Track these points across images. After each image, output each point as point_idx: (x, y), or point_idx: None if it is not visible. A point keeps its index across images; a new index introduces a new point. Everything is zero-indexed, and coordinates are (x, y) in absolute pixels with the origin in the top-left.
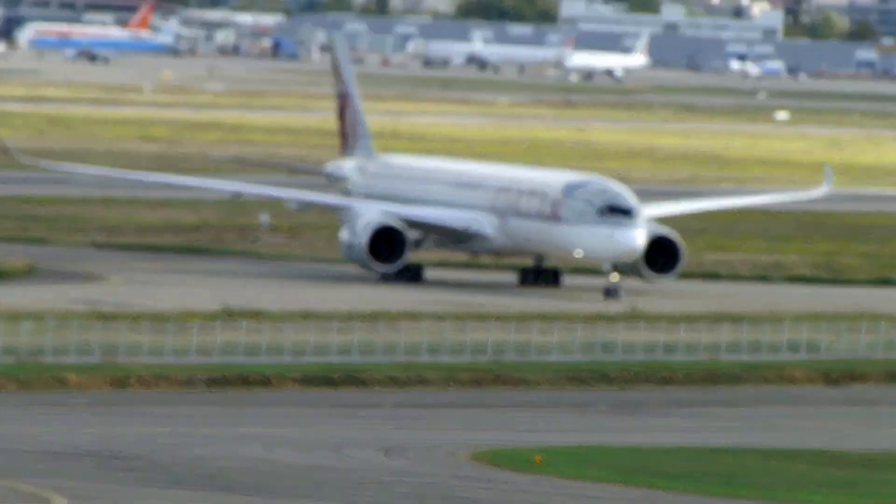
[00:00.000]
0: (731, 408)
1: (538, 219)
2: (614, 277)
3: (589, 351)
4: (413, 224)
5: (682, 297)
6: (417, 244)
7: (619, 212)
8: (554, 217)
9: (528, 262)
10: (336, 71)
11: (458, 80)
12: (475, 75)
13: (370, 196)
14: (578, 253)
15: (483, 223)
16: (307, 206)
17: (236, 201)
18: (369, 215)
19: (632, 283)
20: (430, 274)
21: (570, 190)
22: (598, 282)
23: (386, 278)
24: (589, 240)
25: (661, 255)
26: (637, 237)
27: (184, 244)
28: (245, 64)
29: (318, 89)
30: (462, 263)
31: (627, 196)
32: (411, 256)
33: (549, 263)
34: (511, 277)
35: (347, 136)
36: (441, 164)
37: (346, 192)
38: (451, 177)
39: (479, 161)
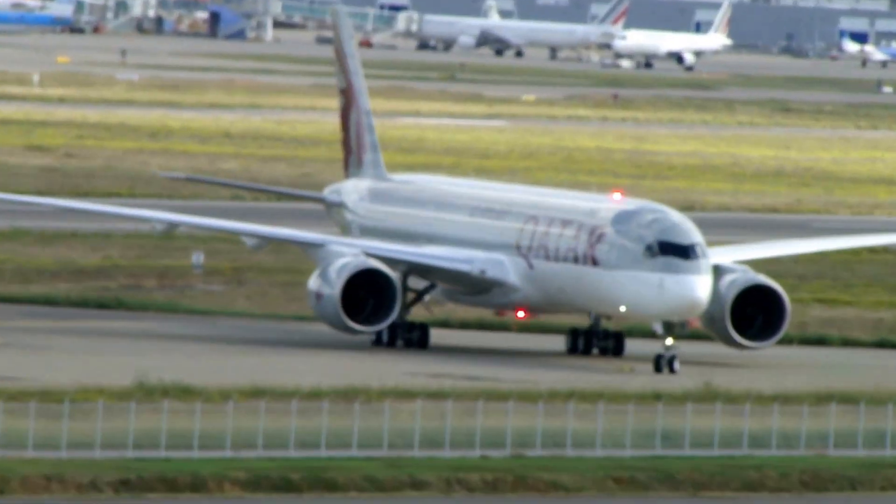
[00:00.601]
0: None
1: (570, 261)
2: (669, 342)
3: (646, 443)
4: (413, 268)
5: (775, 368)
6: (422, 296)
7: (673, 251)
8: (589, 259)
9: (583, 321)
10: (338, 57)
11: (465, 68)
12: (489, 61)
13: (371, 229)
14: (622, 308)
15: (505, 267)
16: (267, 243)
17: (162, 236)
18: (347, 256)
19: (710, 349)
20: (442, 337)
21: (610, 222)
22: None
23: (379, 342)
24: (633, 290)
25: (759, 312)
26: (697, 287)
27: (85, 294)
28: (171, 44)
29: (272, 80)
30: (490, 324)
31: (687, 230)
32: (415, 311)
33: (611, 324)
34: (559, 343)
35: (351, 148)
36: (467, 188)
37: (345, 225)
38: (472, 204)
39: (506, 182)
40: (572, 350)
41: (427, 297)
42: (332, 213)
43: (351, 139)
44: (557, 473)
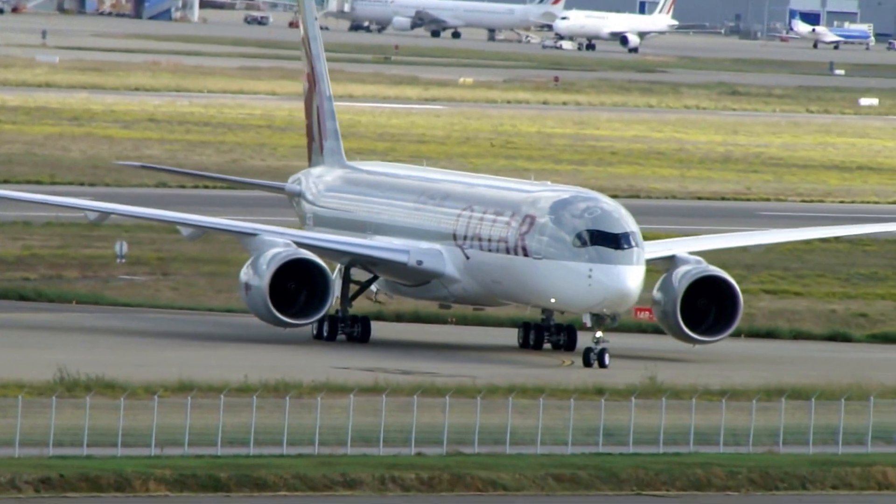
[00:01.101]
0: None
1: (503, 251)
2: (599, 335)
3: (588, 440)
4: (356, 260)
5: (723, 362)
6: (364, 288)
7: (604, 240)
8: (521, 249)
9: (536, 314)
10: (304, 40)
11: (401, 51)
12: (425, 43)
13: (323, 219)
14: (553, 300)
15: (442, 258)
16: (202, 233)
17: (86, 225)
18: (279, 246)
19: (656, 342)
20: (387, 331)
21: (541, 211)
22: (625, 341)
23: (321, 336)
24: (562, 280)
25: (712, 304)
26: (628, 277)
27: (4, 286)
28: (94, 25)
29: (198, 62)
30: (436, 317)
31: (620, 218)
32: (357, 305)
33: (564, 318)
34: (513, 337)
35: (313, 135)
36: (416, 177)
37: (302, 215)
38: (416, 194)
39: (449, 168)
40: (524, 345)
41: (376, 290)
42: (293, 204)
43: (313, 126)
44: (496, 471)
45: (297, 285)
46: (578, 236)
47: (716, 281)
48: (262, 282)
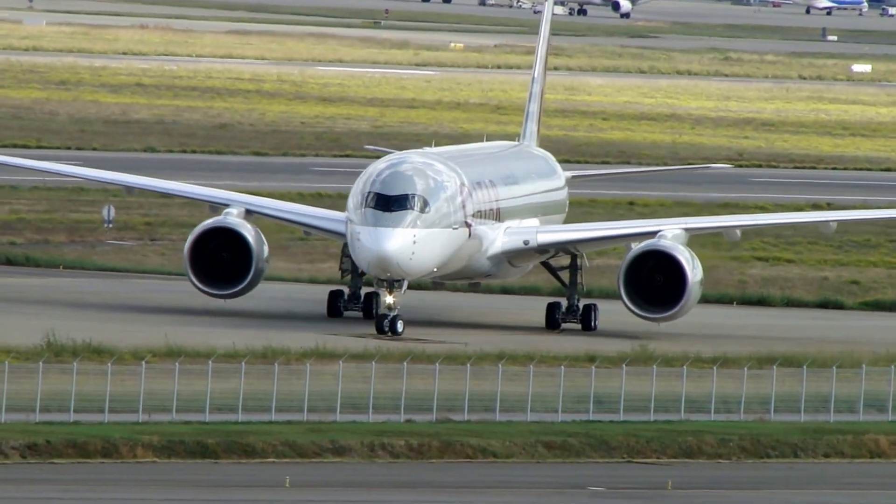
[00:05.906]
0: (788, 490)
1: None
2: (388, 301)
3: (579, 407)
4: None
5: (713, 331)
6: None
7: (377, 203)
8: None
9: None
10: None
11: (391, 15)
12: (416, 7)
13: None
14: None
15: None
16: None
17: (76, 189)
18: (222, 214)
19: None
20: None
21: (362, 175)
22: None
23: (333, 313)
24: (351, 243)
25: (666, 280)
26: (387, 240)
27: None
28: None
29: (187, 25)
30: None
31: (404, 181)
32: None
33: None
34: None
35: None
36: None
37: None
38: None
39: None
40: (550, 324)
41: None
42: None
43: None
44: (486, 438)
45: (230, 255)
46: (361, 199)
47: (667, 257)
48: (186, 250)
